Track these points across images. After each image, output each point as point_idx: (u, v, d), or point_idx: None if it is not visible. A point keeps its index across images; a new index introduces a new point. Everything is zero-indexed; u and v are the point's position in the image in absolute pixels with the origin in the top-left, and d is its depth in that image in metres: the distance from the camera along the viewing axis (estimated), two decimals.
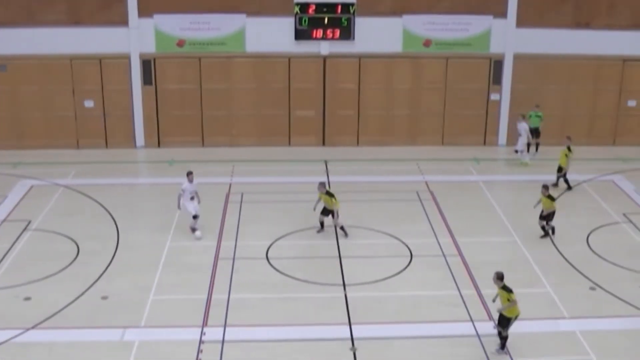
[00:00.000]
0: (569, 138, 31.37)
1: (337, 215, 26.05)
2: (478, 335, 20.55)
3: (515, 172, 33.04)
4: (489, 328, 20.68)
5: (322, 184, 26.20)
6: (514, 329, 20.25)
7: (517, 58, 35.57)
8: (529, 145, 34.35)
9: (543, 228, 26.70)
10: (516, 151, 34.06)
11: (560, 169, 31.05)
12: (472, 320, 21.28)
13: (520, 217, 28.22)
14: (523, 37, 35.30)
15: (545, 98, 36.02)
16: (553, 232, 26.67)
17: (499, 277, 19.77)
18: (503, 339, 19.75)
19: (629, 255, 25.53)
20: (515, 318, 19.64)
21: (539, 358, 19.71)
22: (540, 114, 34.75)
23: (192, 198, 26.15)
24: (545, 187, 26.63)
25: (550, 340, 20.53)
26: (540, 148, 35.01)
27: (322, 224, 26.50)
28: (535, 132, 34.69)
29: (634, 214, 28.92)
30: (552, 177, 31.00)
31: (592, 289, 23.41)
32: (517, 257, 25.35)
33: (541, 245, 26.15)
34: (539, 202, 26.79)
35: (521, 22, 35.18)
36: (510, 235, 26.89)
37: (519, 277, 23.73)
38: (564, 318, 21.66)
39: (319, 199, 26.28)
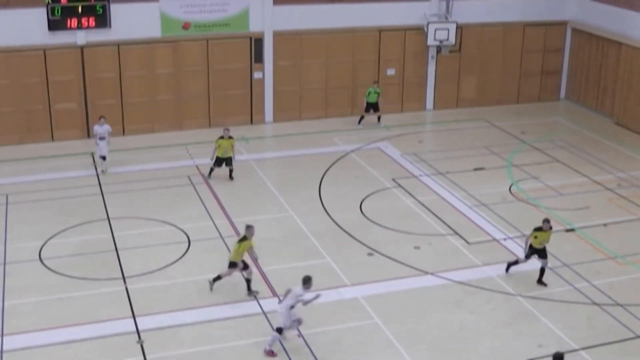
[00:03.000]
0: (227, 129, 30.33)
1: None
2: (264, 312, 20.73)
3: (282, 148, 33.39)
4: (274, 304, 20.84)
5: None
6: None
7: (277, 35, 35.84)
8: (361, 118, 36.24)
9: (513, 263, 22.92)
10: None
11: (221, 161, 29.64)
12: (256, 299, 21.37)
13: (293, 192, 28.57)
14: (281, 14, 35.61)
15: (307, 73, 36.67)
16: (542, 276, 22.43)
17: None
18: None
19: (401, 218, 26.51)
20: None
21: (325, 327, 20.10)
22: (378, 90, 35.81)
23: None
24: (547, 220, 22.18)
25: (335, 309, 20.98)
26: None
27: None
28: (374, 106, 35.96)
29: (402, 178, 29.95)
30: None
31: (370, 254, 24.10)
32: (294, 230, 25.71)
33: (315, 216, 26.63)
34: (528, 241, 22.35)
35: (278, 0, 35.45)
36: (285, 210, 27.16)
37: (297, 250, 24.13)
38: (345, 286, 22.18)
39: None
